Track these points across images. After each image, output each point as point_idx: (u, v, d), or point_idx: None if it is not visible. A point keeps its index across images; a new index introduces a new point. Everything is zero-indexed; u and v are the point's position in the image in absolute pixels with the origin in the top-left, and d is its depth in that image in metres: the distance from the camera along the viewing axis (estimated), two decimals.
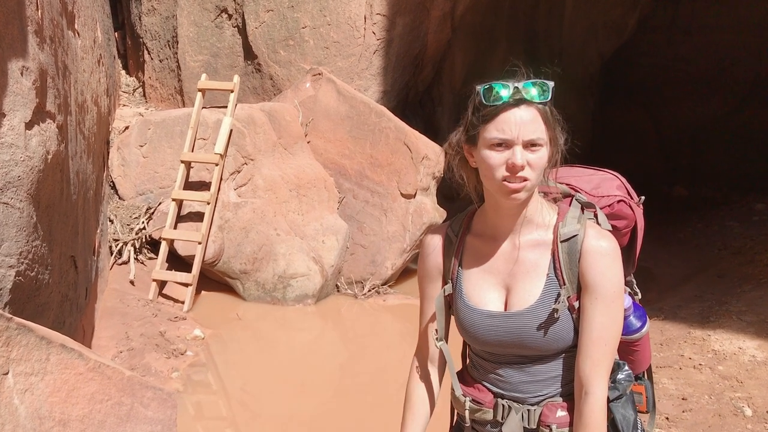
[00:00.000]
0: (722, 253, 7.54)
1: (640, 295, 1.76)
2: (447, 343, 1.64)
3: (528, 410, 1.51)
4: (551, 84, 1.41)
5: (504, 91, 1.38)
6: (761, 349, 4.45)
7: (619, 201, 1.61)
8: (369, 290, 6.16)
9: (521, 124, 1.37)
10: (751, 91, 12.83)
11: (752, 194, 10.62)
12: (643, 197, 1.69)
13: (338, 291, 6.21)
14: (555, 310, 1.43)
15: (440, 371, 1.69)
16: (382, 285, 6.28)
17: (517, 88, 1.38)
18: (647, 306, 6.04)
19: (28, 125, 2.82)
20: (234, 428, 4.05)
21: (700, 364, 4.30)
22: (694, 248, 8.12)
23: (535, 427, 1.50)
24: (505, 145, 1.38)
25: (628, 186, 1.67)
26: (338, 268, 6.13)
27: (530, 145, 1.38)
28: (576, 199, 1.55)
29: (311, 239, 5.99)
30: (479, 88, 1.41)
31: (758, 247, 7.22)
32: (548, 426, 1.48)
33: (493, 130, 1.39)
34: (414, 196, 6.37)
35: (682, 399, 3.88)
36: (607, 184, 1.64)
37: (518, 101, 1.38)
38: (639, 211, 1.65)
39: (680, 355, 4.49)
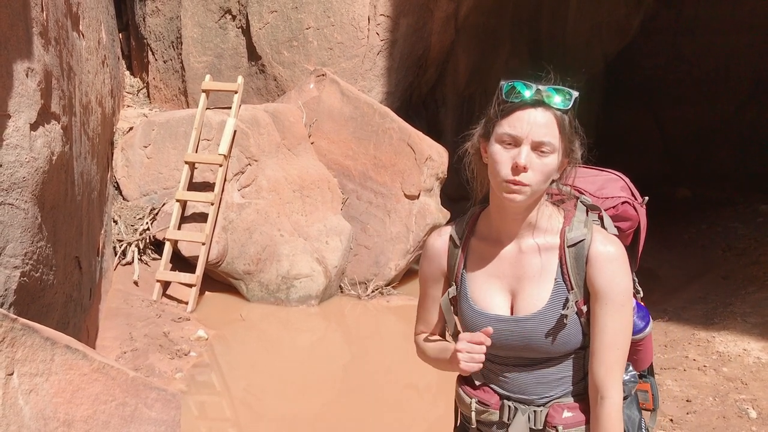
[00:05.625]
0: (727, 255, 7.51)
1: (641, 293, 1.77)
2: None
3: (534, 411, 1.51)
4: (575, 94, 1.41)
5: (526, 91, 1.38)
6: (766, 350, 4.43)
7: (623, 202, 1.61)
8: (372, 291, 6.16)
9: (534, 124, 1.37)
10: (754, 92, 12.80)
11: (757, 195, 10.58)
12: (647, 197, 1.68)
13: (342, 292, 6.21)
14: (564, 316, 1.43)
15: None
16: (386, 286, 6.28)
17: (539, 89, 1.39)
18: (651, 307, 5.99)
19: (33, 126, 2.83)
20: (237, 429, 4.06)
21: (704, 366, 4.29)
22: (698, 249, 8.10)
23: (541, 427, 1.50)
24: (514, 143, 1.38)
25: (632, 186, 1.67)
26: (342, 269, 6.13)
27: (539, 148, 1.37)
28: (581, 202, 1.54)
29: (315, 240, 6.00)
30: (503, 84, 1.42)
31: (763, 249, 7.19)
32: (554, 427, 1.48)
33: (506, 126, 1.39)
34: (417, 197, 6.37)
35: (687, 401, 3.87)
36: (611, 185, 1.64)
37: (537, 103, 1.38)
38: (642, 212, 1.66)
39: (684, 356, 4.47)
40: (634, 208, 1.62)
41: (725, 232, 8.70)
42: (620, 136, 13.11)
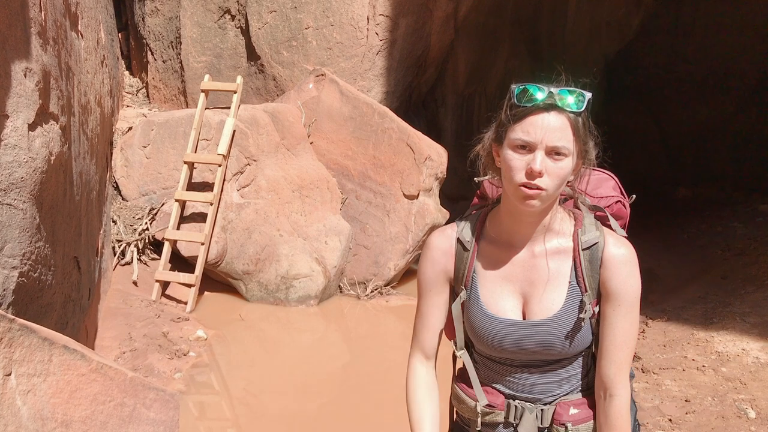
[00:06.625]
0: (726, 255, 7.51)
1: None
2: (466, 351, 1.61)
3: (542, 410, 1.51)
4: (589, 95, 1.39)
5: (539, 93, 1.36)
6: (765, 350, 4.43)
7: (617, 202, 1.62)
8: (372, 291, 6.15)
9: (548, 129, 1.34)
10: (754, 92, 12.81)
11: (756, 195, 10.59)
12: (634, 196, 1.69)
13: (341, 292, 6.21)
14: (581, 319, 1.43)
15: (434, 367, 1.69)
16: (385, 286, 6.28)
17: (551, 92, 1.36)
18: (651, 307, 5.97)
19: (31, 126, 2.83)
20: (237, 429, 4.06)
21: (703, 366, 4.29)
22: (697, 249, 8.10)
23: (548, 425, 1.51)
24: (528, 148, 1.35)
25: (620, 185, 1.68)
26: (341, 269, 6.13)
27: (554, 153, 1.35)
28: (581, 202, 1.54)
29: (314, 240, 5.99)
30: (514, 87, 1.39)
31: (762, 248, 7.19)
32: (563, 424, 1.49)
33: (519, 131, 1.36)
34: (417, 197, 6.37)
35: (686, 401, 3.87)
36: (604, 185, 1.64)
37: (550, 106, 1.35)
38: (629, 210, 1.68)
39: (683, 356, 4.47)
40: (624, 206, 1.64)
41: (724, 232, 8.70)
42: (620, 137, 13.08)
